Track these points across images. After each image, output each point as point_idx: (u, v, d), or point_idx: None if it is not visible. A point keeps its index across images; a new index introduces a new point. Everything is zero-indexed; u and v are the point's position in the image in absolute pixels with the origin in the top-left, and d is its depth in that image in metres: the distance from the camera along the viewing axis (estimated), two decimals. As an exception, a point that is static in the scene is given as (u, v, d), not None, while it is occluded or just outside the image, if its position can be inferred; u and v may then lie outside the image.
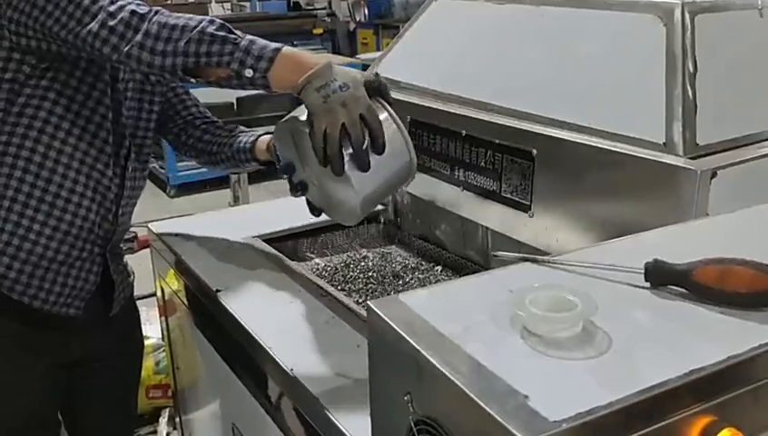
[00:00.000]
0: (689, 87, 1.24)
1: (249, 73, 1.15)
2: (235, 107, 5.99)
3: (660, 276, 0.73)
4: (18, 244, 1.37)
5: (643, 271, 0.74)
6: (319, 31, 7.33)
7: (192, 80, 1.24)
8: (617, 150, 1.25)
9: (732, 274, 0.68)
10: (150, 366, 2.41)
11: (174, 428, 2.25)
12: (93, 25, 1.21)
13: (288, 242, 1.81)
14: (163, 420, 2.39)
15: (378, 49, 6.85)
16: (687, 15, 1.28)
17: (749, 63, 1.35)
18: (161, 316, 1.98)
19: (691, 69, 1.26)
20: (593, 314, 0.65)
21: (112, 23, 1.20)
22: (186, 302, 1.73)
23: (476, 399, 0.57)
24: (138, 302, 1.75)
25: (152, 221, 1.86)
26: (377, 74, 1.22)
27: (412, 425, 0.66)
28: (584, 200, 1.33)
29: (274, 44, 1.18)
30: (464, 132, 1.58)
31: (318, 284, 1.48)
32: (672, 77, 1.25)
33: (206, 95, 6.01)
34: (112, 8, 1.21)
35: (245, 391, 1.39)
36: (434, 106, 1.66)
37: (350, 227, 1.88)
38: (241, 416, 1.52)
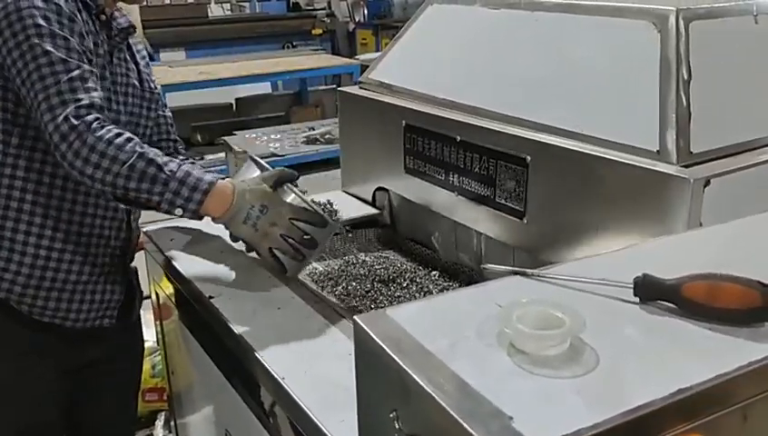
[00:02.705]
0: (683, 94, 1.24)
1: (179, 212, 1.32)
2: (234, 108, 5.97)
3: (649, 291, 0.72)
4: (41, 275, 1.42)
5: (632, 285, 0.73)
6: (318, 31, 7.32)
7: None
8: (611, 157, 1.25)
9: (720, 290, 0.68)
10: (146, 369, 2.41)
11: (170, 431, 2.24)
12: (53, 120, 1.26)
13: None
14: (159, 423, 2.39)
15: (377, 49, 6.84)
16: (682, 22, 1.28)
17: (744, 69, 1.34)
18: (155, 320, 1.97)
19: (685, 76, 1.25)
20: (581, 331, 0.65)
21: (64, 127, 1.24)
22: (179, 307, 1.73)
23: (460, 420, 0.56)
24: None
25: (147, 223, 1.85)
26: (275, 169, 1.41)
27: (398, 443, 0.65)
28: (577, 207, 1.32)
29: (203, 183, 1.30)
30: (458, 137, 1.57)
31: (311, 290, 1.47)
32: (666, 84, 1.25)
33: (204, 97, 6.01)
34: (69, 112, 1.25)
35: (238, 397, 1.39)
36: (429, 111, 1.66)
37: (348, 233, 1.89)
38: (233, 422, 1.52)
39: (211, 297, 1.44)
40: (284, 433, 1.20)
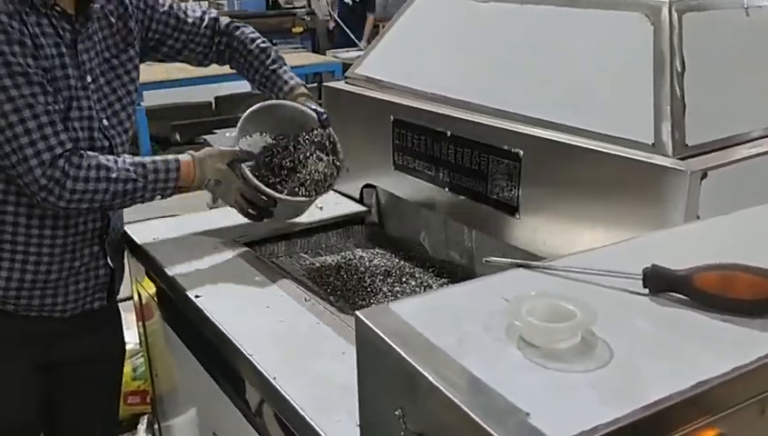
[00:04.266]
0: (677, 87, 1.22)
1: (158, 197, 1.46)
2: (213, 106, 5.90)
3: (659, 282, 0.70)
4: (20, 277, 1.42)
5: (641, 276, 0.71)
6: (298, 29, 7.26)
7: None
8: (605, 151, 1.23)
9: (733, 280, 0.66)
10: (128, 372, 2.35)
11: (153, 434, 2.19)
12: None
13: (266, 245, 1.78)
14: (142, 426, 2.33)
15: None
16: (675, 14, 1.27)
17: (736, 62, 1.34)
18: (138, 321, 1.92)
19: (679, 68, 1.24)
20: (592, 324, 0.63)
21: (42, 181, 1.30)
22: (164, 308, 1.68)
23: (474, 417, 0.53)
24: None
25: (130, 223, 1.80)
26: (235, 150, 1.55)
27: (405, 442, 0.62)
28: (571, 201, 1.30)
29: (170, 165, 1.44)
30: (449, 132, 1.55)
31: (301, 289, 1.44)
32: (660, 77, 1.23)
33: (183, 95, 5.93)
34: (45, 165, 1.30)
35: (226, 399, 1.35)
36: (418, 106, 1.63)
37: (333, 230, 1.85)
38: (221, 424, 1.48)
39: (197, 296, 1.40)
40: (275, 434, 1.17)
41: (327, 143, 1.62)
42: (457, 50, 1.66)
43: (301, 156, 1.58)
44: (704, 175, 1.13)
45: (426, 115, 1.60)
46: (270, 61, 1.69)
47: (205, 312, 1.35)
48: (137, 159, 1.43)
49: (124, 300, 1.98)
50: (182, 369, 1.66)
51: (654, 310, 0.69)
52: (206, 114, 5.77)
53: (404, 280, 1.63)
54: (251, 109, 1.61)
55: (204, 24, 1.66)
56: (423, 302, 0.72)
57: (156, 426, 2.04)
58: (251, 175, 1.51)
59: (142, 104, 5.07)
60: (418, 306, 0.70)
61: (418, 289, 1.60)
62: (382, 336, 0.64)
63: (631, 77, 1.27)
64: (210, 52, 1.70)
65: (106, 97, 1.46)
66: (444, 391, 0.57)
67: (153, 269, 1.62)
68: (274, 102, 1.66)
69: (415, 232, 1.80)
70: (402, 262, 1.73)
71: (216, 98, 5.91)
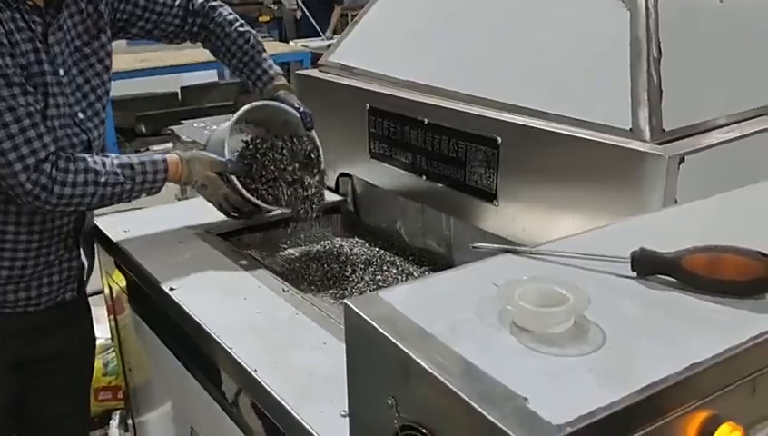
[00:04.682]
0: (654, 72, 1.23)
1: (144, 195, 1.44)
2: (180, 97, 5.79)
3: (647, 265, 0.70)
4: None
5: (629, 260, 0.71)
6: (265, 18, 7.17)
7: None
8: (583, 136, 1.23)
9: (722, 262, 0.66)
10: (98, 367, 2.30)
11: (126, 430, 2.15)
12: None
13: (242, 236, 1.75)
14: (114, 422, 2.28)
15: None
16: (651, 0, 1.27)
17: (710, 48, 1.35)
18: (109, 315, 1.88)
19: (655, 54, 1.25)
20: (585, 308, 0.62)
21: (27, 186, 1.28)
22: (135, 301, 1.65)
23: (472, 403, 0.53)
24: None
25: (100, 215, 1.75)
26: (225, 163, 1.51)
27: (398, 431, 0.61)
28: (550, 188, 1.31)
29: (159, 163, 1.42)
30: (426, 120, 1.54)
31: (278, 280, 1.42)
32: (636, 62, 1.24)
33: (148, 86, 5.79)
34: (30, 170, 1.27)
35: (204, 393, 1.33)
36: (394, 94, 1.62)
37: (308, 219, 1.83)
38: (200, 419, 1.45)
39: (172, 289, 1.37)
40: (256, 429, 1.15)
41: (309, 154, 1.59)
42: (433, 37, 1.65)
43: (283, 168, 1.55)
44: (682, 160, 1.14)
45: (402, 103, 1.59)
46: (248, 46, 1.64)
47: (181, 304, 1.32)
48: (125, 160, 1.40)
49: (94, 294, 1.94)
50: (156, 363, 1.63)
51: (644, 293, 0.69)
52: (172, 105, 5.66)
53: (385, 268, 1.62)
54: (240, 111, 1.56)
55: (177, 2, 1.60)
56: (412, 290, 0.71)
57: (130, 421, 2.00)
58: (239, 185, 1.50)
59: (107, 94, 4.97)
60: (407, 294, 0.69)
61: (399, 277, 1.59)
62: (374, 324, 0.63)
63: (608, 63, 1.28)
64: (182, 31, 1.64)
65: (80, 89, 1.41)
66: (440, 377, 0.56)
67: (126, 262, 1.58)
68: (263, 103, 1.60)
69: (391, 221, 1.79)
70: (382, 251, 1.72)
71: (182, 88, 5.80)
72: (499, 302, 0.64)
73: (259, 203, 1.52)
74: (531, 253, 0.76)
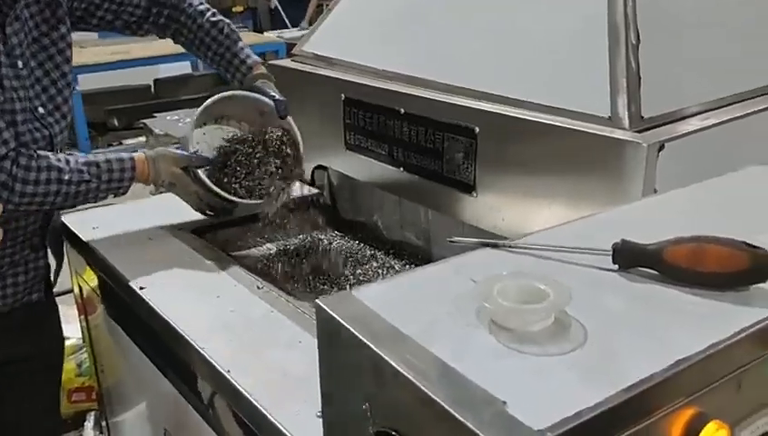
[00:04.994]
0: (632, 59, 1.21)
1: (111, 196, 1.39)
2: (153, 90, 5.69)
3: (629, 257, 0.68)
4: None
5: (610, 252, 0.69)
6: (239, 9, 7.06)
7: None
8: (561, 125, 1.21)
9: (705, 253, 0.64)
10: (71, 368, 2.25)
11: (101, 432, 2.10)
12: None
13: (216, 231, 1.70)
14: (89, 424, 2.24)
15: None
16: (628, -16, 1.25)
17: (690, 33, 1.33)
18: (80, 315, 1.83)
19: (633, 40, 1.22)
20: (566, 304, 0.60)
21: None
22: (106, 300, 1.60)
23: (448, 408, 0.50)
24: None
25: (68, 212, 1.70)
26: (189, 157, 1.46)
27: (373, 437, 0.58)
28: (529, 178, 1.28)
29: (125, 165, 1.37)
30: (402, 109, 1.50)
31: (252, 276, 1.38)
32: (615, 49, 1.22)
33: (120, 78, 5.69)
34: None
35: (176, 393, 1.29)
36: (369, 84, 1.58)
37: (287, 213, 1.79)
38: (173, 420, 1.42)
39: (141, 288, 1.33)
40: (230, 431, 1.12)
41: (283, 143, 1.54)
42: (408, 24, 1.61)
43: (256, 161, 1.50)
44: (661, 147, 1.12)
45: (378, 93, 1.55)
46: (223, 37, 1.58)
47: (150, 304, 1.28)
48: (90, 158, 1.35)
49: (64, 293, 1.89)
50: (129, 363, 1.58)
51: (626, 286, 0.66)
52: (145, 98, 5.56)
53: (365, 262, 1.59)
54: (205, 104, 1.52)
55: None
56: (387, 287, 0.68)
57: (104, 423, 1.95)
58: (207, 181, 1.45)
59: (77, 88, 4.86)
60: (382, 291, 0.66)
61: (380, 270, 1.57)
62: (345, 325, 0.60)
63: (585, 50, 1.25)
64: (145, 22, 1.57)
65: (39, 82, 1.35)
66: (414, 381, 0.53)
67: (95, 261, 1.53)
68: (229, 93, 1.55)
69: (368, 214, 1.75)
70: (362, 245, 1.69)
71: (155, 81, 5.70)
72: (477, 299, 0.61)
73: (230, 197, 1.47)
74: (510, 247, 0.73)
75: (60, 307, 1.64)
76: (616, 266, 0.69)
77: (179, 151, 1.46)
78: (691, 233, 0.68)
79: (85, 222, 1.63)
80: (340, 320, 0.61)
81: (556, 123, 1.22)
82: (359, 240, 1.72)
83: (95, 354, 1.81)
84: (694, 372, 0.55)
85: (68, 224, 1.62)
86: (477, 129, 1.35)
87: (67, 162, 1.31)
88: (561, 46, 1.30)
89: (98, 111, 5.27)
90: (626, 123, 1.16)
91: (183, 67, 5.91)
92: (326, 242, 1.73)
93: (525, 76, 1.32)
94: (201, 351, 1.12)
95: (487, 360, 0.56)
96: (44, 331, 1.55)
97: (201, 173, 1.46)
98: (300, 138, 1.56)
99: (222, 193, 1.46)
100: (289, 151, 1.53)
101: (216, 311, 1.25)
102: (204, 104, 1.52)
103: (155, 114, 4.50)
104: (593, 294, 0.65)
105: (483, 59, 1.41)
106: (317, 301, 0.63)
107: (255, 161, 1.50)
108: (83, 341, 1.89)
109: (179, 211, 1.63)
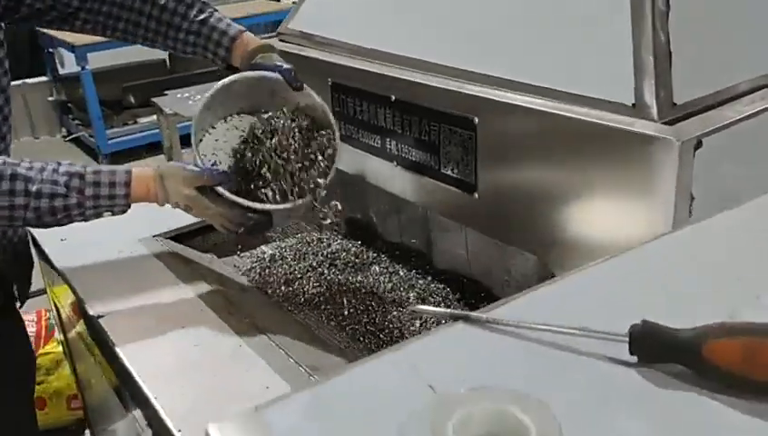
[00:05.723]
0: (661, 31, 0.98)
1: (107, 214, 1.15)
2: (168, 64, 5.53)
3: (652, 348, 0.48)
4: None
5: (626, 337, 0.49)
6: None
7: None
8: (575, 115, 0.99)
9: (762, 351, 0.44)
10: (67, 375, 2.14)
11: (102, 441, 2.00)
12: None
13: (198, 236, 1.55)
14: (89, 432, 2.14)
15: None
16: (655, -61, 1.01)
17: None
18: (59, 327, 1.70)
19: (662, 7, 0.99)
20: (554, 444, 0.41)
21: None
22: (81, 317, 1.46)
23: None
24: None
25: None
26: (201, 175, 1.18)
27: None
28: (537, 178, 1.07)
29: (118, 178, 1.13)
30: (393, 96, 1.30)
31: (226, 297, 1.22)
32: (639, 19, 0.98)
33: (135, 54, 5.53)
34: None
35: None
36: (358, 66, 1.37)
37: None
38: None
39: (99, 316, 1.17)
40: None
41: (303, 120, 1.26)
42: (400, -3, 1.40)
43: (284, 154, 1.23)
44: (699, 144, 0.90)
45: (367, 77, 1.34)
46: (195, 12, 1.30)
47: (108, 335, 1.13)
48: (75, 168, 1.12)
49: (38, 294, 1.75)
50: (104, 388, 1.45)
51: (648, 396, 0.47)
52: (160, 73, 5.41)
53: (365, 268, 1.43)
54: (199, 108, 1.24)
55: None
56: (312, 402, 0.49)
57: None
58: (230, 195, 1.17)
59: (87, 67, 4.74)
60: (303, 411, 0.48)
61: (382, 278, 1.39)
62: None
63: (604, 23, 1.03)
64: (73, 18, 1.32)
65: None
66: None
67: (58, 279, 1.39)
68: (226, 81, 1.26)
69: (363, 212, 1.57)
70: (362, 247, 1.53)
71: (170, 55, 5.53)
72: (431, 432, 0.43)
73: (266, 207, 1.18)
74: (489, 322, 0.54)
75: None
76: (635, 358, 0.49)
77: (189, 167, 1.18)
78: (743, 300, 0.48)
79: (54, 233, 1.48)
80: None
81: (569, 114, 1.00)
82: (360, 238, 1.55)
83: (77, 371, 1.69)
84: None
85: (35, 235, 1.47)
86: (477, 119, 1.14)
87: (41, 170, 1.10)
88: (574, 20, 1.07)
89: (112, 88, 5.14)
90: (654, 112, 0.94)
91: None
92: (324, 243, 1.56)
93: (532, 56, 1.10)
94: (153, 403, 0.96)
95: None
96: (7, 351, 1.41)
97: (222, 190, 1.17)
98: (326, 107, 1.26)
99: (252, 205, 1.17)
100: (312, 128, 1.26)
101: (178, 346, 1.09)
102: (198, 108, 1.25)
103: (166, 92, 4.34)
104: (597, 410, 0.46)
105: (484, 37, 1.19)
106: (208, 427, 0.45)
107: (280, 154, 1.23)
108: (66, 359, 1.77)
109: (165, 210, 1.45)
